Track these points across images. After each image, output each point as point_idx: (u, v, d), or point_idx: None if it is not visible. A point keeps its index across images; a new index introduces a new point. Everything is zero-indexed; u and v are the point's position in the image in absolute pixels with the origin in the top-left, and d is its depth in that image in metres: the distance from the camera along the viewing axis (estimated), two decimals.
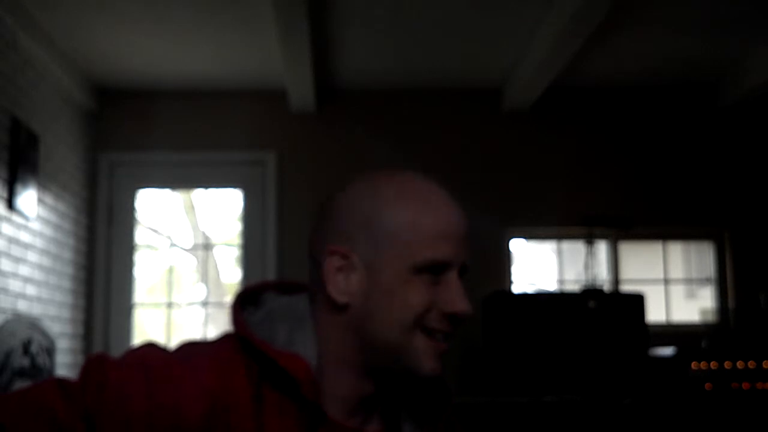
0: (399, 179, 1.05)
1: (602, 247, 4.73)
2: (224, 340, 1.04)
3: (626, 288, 4.64)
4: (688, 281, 6.08)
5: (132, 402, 0.94)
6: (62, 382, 0.96)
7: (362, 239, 1.01)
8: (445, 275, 1.01)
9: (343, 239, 1.02)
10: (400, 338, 1.00)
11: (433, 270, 1.00)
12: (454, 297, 1.01)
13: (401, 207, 1.01)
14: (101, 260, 4.53)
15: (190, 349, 1.02)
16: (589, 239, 4.42)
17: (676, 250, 5.93)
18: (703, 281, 5.02)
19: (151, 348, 1.02)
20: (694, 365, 3.86)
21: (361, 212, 1.02)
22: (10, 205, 3.48)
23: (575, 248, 4.80)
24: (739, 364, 3.85)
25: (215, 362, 0.99)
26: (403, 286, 0.99)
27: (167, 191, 5.13)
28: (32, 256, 3.75)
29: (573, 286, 4.68)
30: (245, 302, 1.06)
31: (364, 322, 1.01)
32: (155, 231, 5.19)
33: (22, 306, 3.61)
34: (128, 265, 4.60)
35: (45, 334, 3.51)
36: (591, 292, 4.03)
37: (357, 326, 1.01)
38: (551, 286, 6.56)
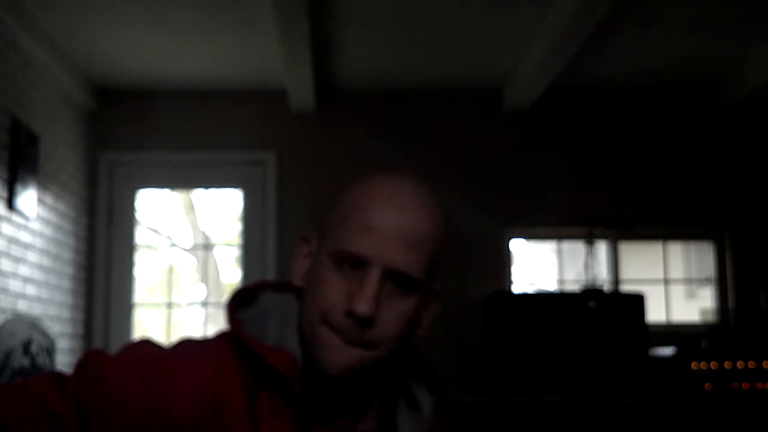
0: (374, 177, 1.03)
1: (602, 247, 4.73)
2: (219, 338, 1.04)
3: (626, 288, 4.64)
4: (688, 281, 6.08)
5: (126, 397, 0.94)
6: (58, 376, 0.97)
7: (321, 227, 1.03)
8: (363, 272, 0.96)
9: (316, 229, 1.05)
10: (310, 325, 0.98)
11: (351, 264, 0.96)
12: (356, 295, 0.95)
13: (350, 198, 1.01)
14: (101, 260, 4.53)
15: (186, 346, 1.03)
16: (589, 239, 4.42)
17: (676, 250, 5.92)
18: (703, 281, 5.02)
19: (146, 344, 1.02)
20: (694, 365, 3.86)
21: (331, 205, 1.05)
22: (10, 205, 3.48)
23: (575, 248, 4.80)
24: (739, 364, 3.85)
25: (210, 360, 0.99)
26: (323, 274, 0.98)
27: (167, 191, 5.14)
28: (32, 256, 3.75)
29: (573, 286, 4.68)
30: (242, 301, 1.06)
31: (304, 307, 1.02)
32: (155, 231, 5.19)
33: (22, 306, 3.62)
34: (128, 265, 4.59)
35: (45, 334, 3.51)
36: (591, 292, 4.03)
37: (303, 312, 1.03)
38: (551, 286, 6.56)
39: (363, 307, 0.94)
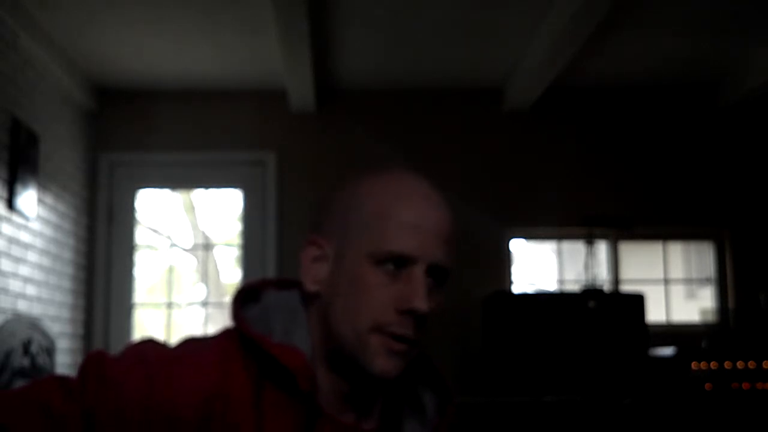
0: (388, 174, 1.03)
1: (602, 247, 4.73)
2: (224, 335, 1.04)
3: (626, 288, 4.64)
4: (688, 281, 6.08)
5: (131, 396, 0.95)
6: (62, 379, 0.97)
7: (338, 229, 1.02)
8: (408, 271, 0.97)
9: (324, 231, 1.03)
10: (354, 332, 0.97)
11: (395, 263, 0.97)
12: (411, 293, 0.96)
13: (375, 196, 1.00)
14: (101, 260, 4.53)
15: (190, 345, 1.03)
16: (589, 239, 4.42)
17: (676, 250, 5.92)
18: (703, 281, 5.02)
19: (150, 344, 1.02)
20: (694, 365, 3.86)
21: (341, 204, 1.03)
22: (10, 205, 3.48)
23: (575, 248, 4.80)
24: (739, 364, 3.85)
25: (214, 358, 0.99)
26: (363, 277, 0.97)
27: (167, 191, 5.13)
28: (32, 256, 3.75)
29: (573, 286, 4.68)
30: (246, 299, 1.07)
31: (328, 310, 1.00)
32: (155, 231, 5.18)
33: (22, 306, 3.62)
34: (128, 265, 4.59)
35: (45, 334, 3.51)
36: (591, 292, 4.03)
37: (324, 316, 1.01)
38: (551, 286, 6.56)
39: (422, 304, 0.95)
